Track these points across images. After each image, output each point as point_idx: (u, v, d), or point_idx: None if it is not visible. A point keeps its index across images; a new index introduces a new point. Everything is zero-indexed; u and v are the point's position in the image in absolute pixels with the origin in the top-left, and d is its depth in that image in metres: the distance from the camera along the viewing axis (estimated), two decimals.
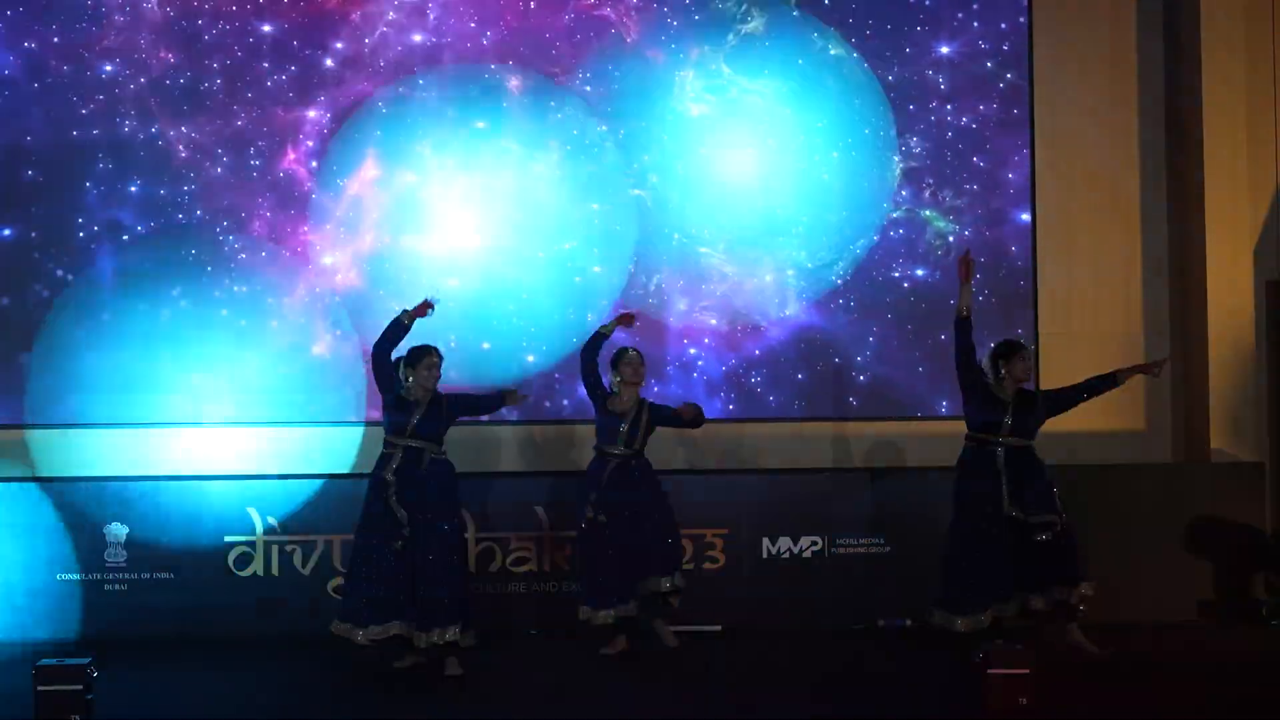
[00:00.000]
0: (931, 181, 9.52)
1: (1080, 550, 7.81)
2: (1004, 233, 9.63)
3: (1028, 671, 6.39)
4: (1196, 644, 8.31)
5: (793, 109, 9.36)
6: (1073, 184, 9.73)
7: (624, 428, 7.88)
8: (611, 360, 8.02)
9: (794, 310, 9.38)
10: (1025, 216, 9.62)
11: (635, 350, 8.07)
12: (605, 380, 7.99)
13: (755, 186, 9.35)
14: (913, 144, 9.53)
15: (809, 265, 9.36)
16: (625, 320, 8.17)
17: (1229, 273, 9.45)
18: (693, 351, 9.35)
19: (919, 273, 9.45)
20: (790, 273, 9.35)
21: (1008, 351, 7.80)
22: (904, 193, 9.49)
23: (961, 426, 7.96)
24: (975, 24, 9.61)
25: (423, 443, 7.44)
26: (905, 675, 7.45)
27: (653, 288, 9.33)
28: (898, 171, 9.45)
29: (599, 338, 8.04)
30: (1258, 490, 9.12)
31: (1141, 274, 9.77)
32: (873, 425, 9.52)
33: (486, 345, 9.24)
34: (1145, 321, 9.73)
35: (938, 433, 9.37)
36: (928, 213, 9.47)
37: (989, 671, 6.40)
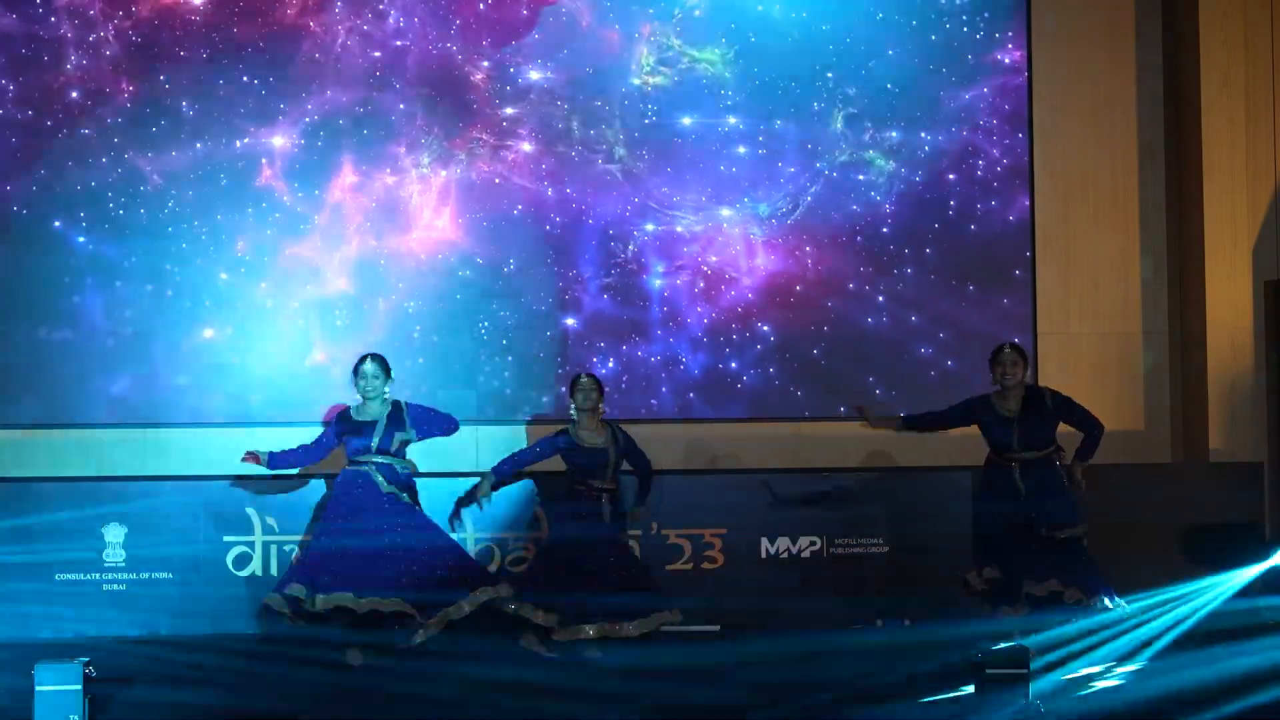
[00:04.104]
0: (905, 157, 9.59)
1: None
2: (1001, 232, 9.64)
3: (1025, 671, 6.40)
4: (1196, 644, 8.30)
5: (745, 71, 9.58)
6: (1070, 183, 9.72)
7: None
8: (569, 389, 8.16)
9: (761, 260, 9.54)
10: (1023, 215, 9.64)
11: (587, 376, 8.17)
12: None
13: (713, 148, 9.56)
14: (909, 140, 9.59)
15: (771, 215, 9.58)
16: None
17: (1228, 273, 9.44)
18: (665, 285, 9.51)
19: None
20: (754, 226, 9.56)
21: (991, 359, 7.97)
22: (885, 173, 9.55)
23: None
24: (974, 26, 9.69)
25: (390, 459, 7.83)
26: (904, 675, 7.44)
27: (631, 253, 9.48)
28: (839, 123, 9.60)
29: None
30: (1257, 490, 9.12)
31: (1140, 273, 9.76)
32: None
33: (481, 327, 9.37)
34: (1144, 321, 9.73)
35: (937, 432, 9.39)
36: (868, 151, 9.59)
37: (987, 671, 6.41)
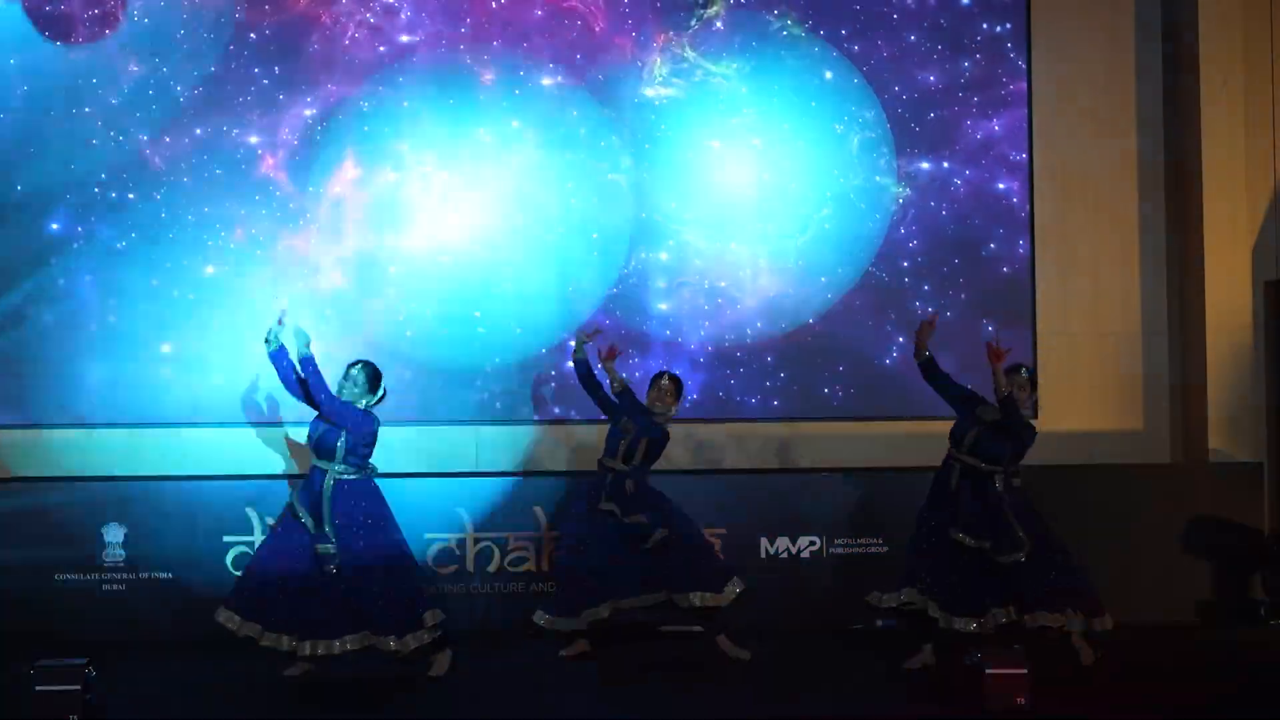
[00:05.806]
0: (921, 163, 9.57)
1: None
2: (1001, 231, 9.63)
3: (1025, 671, 6.40)
4: (1197, 644, 8.31)
5: (760, 88, 9.49)
6: (1070, 184, 9.72)
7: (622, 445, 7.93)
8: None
9: (766, 281, 9.47)
10: (1023, 216, 9.64)
11: (669, 377, 8.10)
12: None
13: (724, 165, 9.47)
14: (914, 152, 9.59)
15: (780, 237, 9.50)
16: (587, 337, 8.26)
17: (1227, 273, 9.44)
18: (668, 303, 9.44)
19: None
20: (761, 246, 9.48)
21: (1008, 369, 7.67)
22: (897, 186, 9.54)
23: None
24: (1007, 56, 9.68)
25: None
26: (903, 675, 7.45)
27: (633, 266, 9.42)
28: (855, 143, 9.54)
29: (580, 364, 8.16)
30: (1256, 490, 9.13)
31: (1139, 274, 9.76)
32: (871, 425, 9.51)
33: (479, 331, 9.29)
34: (1143, 322, 9.72)
35: (937, 433, 9.37)
36: (884, 177, 9.55)
37: (987, 672, 6.41)
